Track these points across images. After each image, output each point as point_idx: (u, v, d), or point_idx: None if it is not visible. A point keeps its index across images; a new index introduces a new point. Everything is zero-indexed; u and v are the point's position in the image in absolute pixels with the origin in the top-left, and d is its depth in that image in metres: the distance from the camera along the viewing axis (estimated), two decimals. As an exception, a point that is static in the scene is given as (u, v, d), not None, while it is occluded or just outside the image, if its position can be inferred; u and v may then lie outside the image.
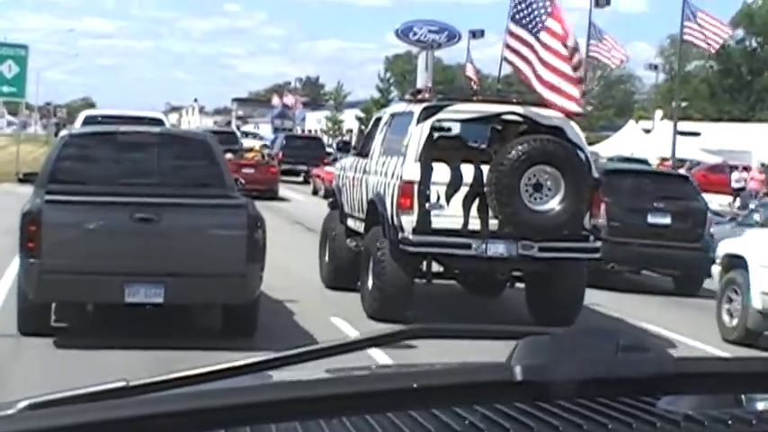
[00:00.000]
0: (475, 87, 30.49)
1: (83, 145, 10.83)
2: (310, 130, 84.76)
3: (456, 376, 1.30)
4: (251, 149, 44.30)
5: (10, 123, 50.15)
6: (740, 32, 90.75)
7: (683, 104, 71.91)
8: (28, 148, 48.93)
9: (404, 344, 1.53)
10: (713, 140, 56.92)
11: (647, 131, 62.56)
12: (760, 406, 1.54)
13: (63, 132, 11.32)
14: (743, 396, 1.54)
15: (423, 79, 33.92)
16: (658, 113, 74.44)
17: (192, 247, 9.30)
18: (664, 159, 44.53)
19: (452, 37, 35.12)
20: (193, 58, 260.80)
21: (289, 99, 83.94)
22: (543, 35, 11.76)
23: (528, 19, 11.92)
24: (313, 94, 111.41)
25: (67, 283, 9.08)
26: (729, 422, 1.39)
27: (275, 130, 75.78)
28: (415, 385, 1.24)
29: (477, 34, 60.74)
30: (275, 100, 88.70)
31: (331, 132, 79.91)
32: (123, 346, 9.00)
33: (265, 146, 46.83)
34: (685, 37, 36.51)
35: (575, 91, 11.26)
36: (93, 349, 9.00)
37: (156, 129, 11.44)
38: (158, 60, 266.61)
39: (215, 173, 10.53)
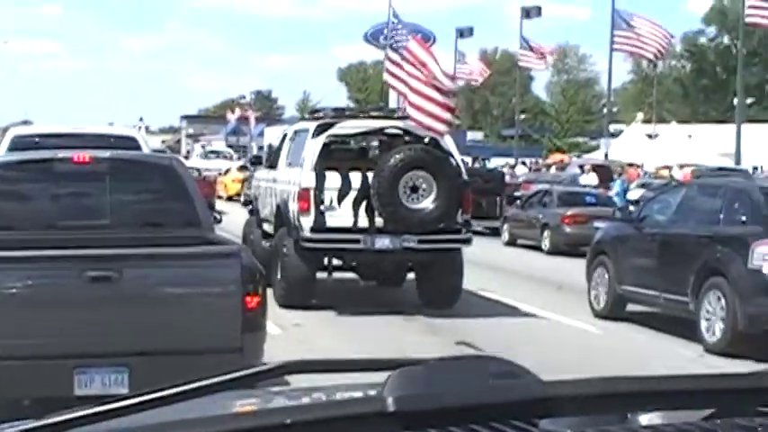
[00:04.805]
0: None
1: (7, 178, 8.92)
2: (270, 146, 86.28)
3: (329, 410, 1.36)
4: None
5: None
6: (713, 30, 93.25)
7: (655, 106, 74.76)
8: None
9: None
10: (708, 144, 55.82)
11: (651, 136, 61.84)
12: (643, 420, 1.65)
13: None
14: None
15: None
16: (639, 116, 77.14)
17: (165, 315, 7.31)
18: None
19: (426, 39, 35.90)
20: (135, 76, 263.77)
21: (244, 114, 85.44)
22: (407, 66, 15.15)
23: (397, 45, 15.35)
24: (266, 108, 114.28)
25: None
26: None
27: (230, 147, 77.52)
28: (288, 421, 1.29)
29: (465, 33, 58.06)
30: (230, 115, 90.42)
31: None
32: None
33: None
34: (615, 47, 37.68)
35: (443, 113, 14.55)
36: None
37: (106, 153, 9.22)
38: (100, 80, 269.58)
39: (186, 208, 8.69)
